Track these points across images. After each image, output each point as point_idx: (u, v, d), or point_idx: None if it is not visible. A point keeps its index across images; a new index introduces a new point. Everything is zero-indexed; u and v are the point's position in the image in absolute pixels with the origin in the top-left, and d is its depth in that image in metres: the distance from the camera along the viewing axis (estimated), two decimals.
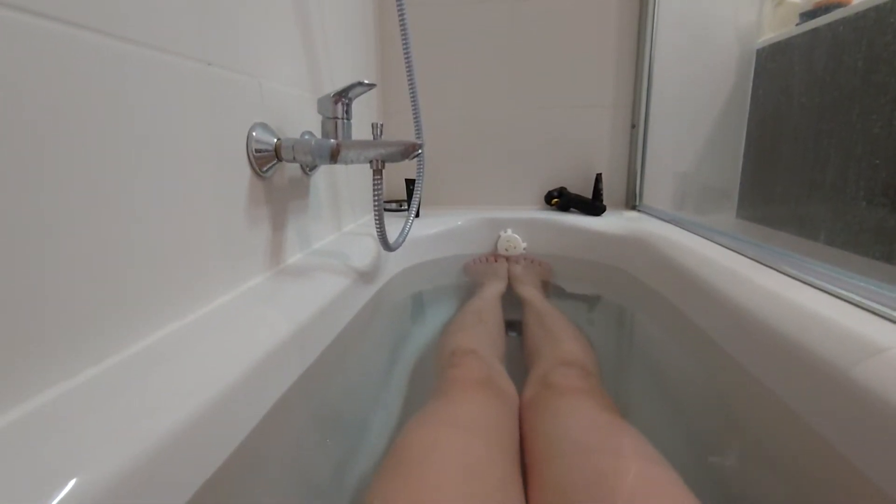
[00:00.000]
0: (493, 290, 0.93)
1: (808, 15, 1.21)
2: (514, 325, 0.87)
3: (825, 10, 1.14)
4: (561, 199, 1.32)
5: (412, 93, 0.90)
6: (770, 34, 1.32)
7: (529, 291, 0.93)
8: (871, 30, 0.92)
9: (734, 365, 0.57)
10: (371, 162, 0.65)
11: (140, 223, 0.42)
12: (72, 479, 0.26)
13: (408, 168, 1.39)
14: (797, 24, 1.23)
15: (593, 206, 1.26)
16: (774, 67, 1.27)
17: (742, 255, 0.73)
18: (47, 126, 0.33)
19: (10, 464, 0.26)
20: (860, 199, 0.94)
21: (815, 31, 1.10)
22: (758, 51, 1.34)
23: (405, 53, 0.87)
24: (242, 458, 0.39)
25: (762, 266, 0.66)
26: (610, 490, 0.32)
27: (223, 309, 0.51)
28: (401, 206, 1.36)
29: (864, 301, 0.49)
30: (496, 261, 1.14)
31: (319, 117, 0.69)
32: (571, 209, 1.31)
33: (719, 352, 0.61)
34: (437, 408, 0.46)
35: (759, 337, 0.52)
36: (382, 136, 0.68)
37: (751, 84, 1.36)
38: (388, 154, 0.65)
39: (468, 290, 1.01)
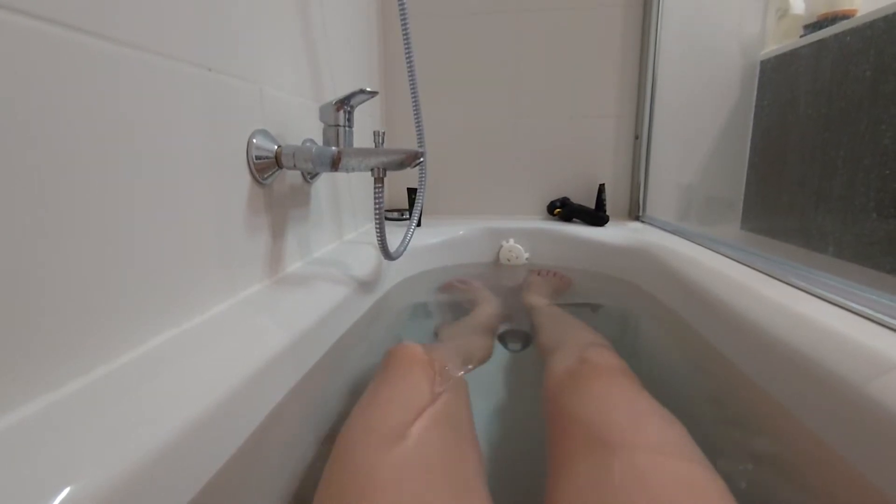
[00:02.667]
0: (484, 314, 0.88)
1: (812, 27, 1.20)
2: (516, 336, 0.86)
3: (830, 21, 1.13)
4: (564, 210, 1.32)
5: (414, 101, 0.90)
6: (774, 46, 1.32)
7: (539, 300, 0.92)
8: (880, 39, 0.91)
9: (742, 377, 0.55)
10: (372, 170, 0.65)
11: (135, 230, 0.41)
12: (65, 487, 0.25)
13: (409, 177, 1.39)
14: (801, 36, 1.22)
15: (596, 216, 1.25)
16: (779, 78, 1.27)
17: (748, 266, 0.72)
18: (42, 131, 0.32)
19: (2, 472, 0.26)
20: (870, 210, 0.92)
21: (820, 42, 1.10)
22: (761, 62, 1.34)
23: (408, 62, 0.87)
24: (236, 469, 0.38)
25: (769, 278, 0.65)
26: (651, 498, 0.31)
27: (220, 317, 0.50)
28: (402, 214, 1.36)
29: (876, 315, 0.47)
30: (462, 282, 1.07)
31: (321, 125, 0.69)
32: (574, 219, 1.30)
33: (727, 363, 0.59)
34: (374, 392, 0.45)
35: (769, 350, 0.51)
36: (384, 145, 0.68)
37: (755, 95, 1.36)
38: (389, 162, 0.64)
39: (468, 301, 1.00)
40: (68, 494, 0.25)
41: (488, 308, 0.90)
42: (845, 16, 1.12)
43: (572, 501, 0.34)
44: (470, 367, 0.62)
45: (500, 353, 0.81)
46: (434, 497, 0.33)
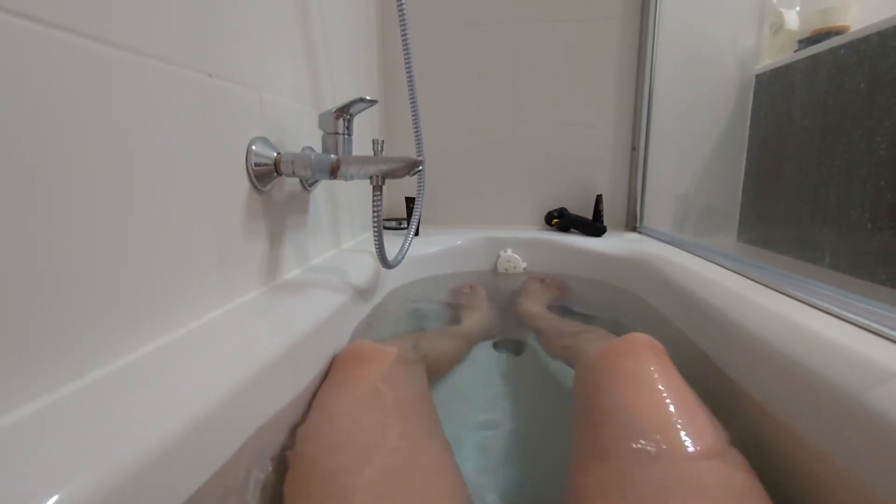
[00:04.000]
0: (467, 325, 0.89)
1: (806, 41, 1.22)
2: (509, 345, 0.86)
3: (824, 36, 1.15)
4: (561, 220, 1.32)
5: (413, 110, 0.91)
6: (769, 60, 1.34)
7: (538, 308, 0.92)
8: (874, 53, 0.93)
9: (736, 385, 0.55)
10: (371, 178, 0.65)
11: (133, 234, 0.41)
12: (54, 495, 0.24)
13: (408, 186, 1.39)
14: (796, 51, 1.24)
15: (594, 226, 1.26)
16: (774, 91, 1.28)
17: (745, 276, 0.72)
18: (39, 134, 0.32)
19: None
20: (865, 221, 0.93)
21: (815, 56, 1.12)
22: (757, 76, 1.36)
23: (407, 71, 0.87)
24: (229, 477, 0.38)
25: (766, 288, 0.65)
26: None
27: (215, 323, 0.50)
28: (400, 224, 1.36)
29: (872, 325, 0.47)
30: (471, 289, 1.08)
31: (320, 132, 0.69)
32: (572, 230, 1.30)
33: (721, 370, 0.59)
34: (325, 397, 0.45)
35: (766, 359, 0.51)
36: (383, 153, 0.68)
37: (750, 108, 1.37)
38: (388, 170, 0.64)
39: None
40: (56, 502, 0.24)
41: (474, 319, 0.90)
42: (838, 31, 1.14)
43: (604, 493, 0.33)
44: (431, 366, 0.62)
45: (494, 360, 0.81)
46: (404, 491, 0.32)
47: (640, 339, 0.48)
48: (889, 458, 0.35)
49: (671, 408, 0.38)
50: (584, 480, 0.35)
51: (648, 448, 0.34)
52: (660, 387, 0.41)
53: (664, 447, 0.34)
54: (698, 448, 0.34)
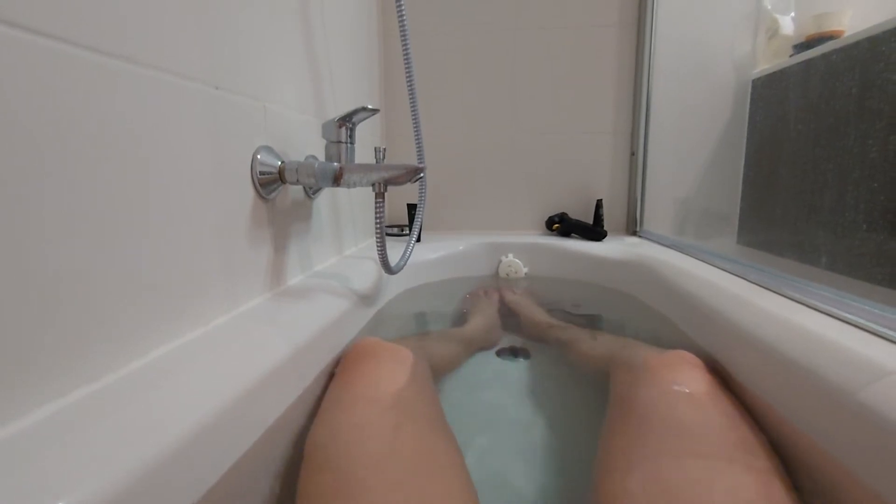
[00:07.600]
0: (467, 329, 0.89)
1: (801, 46, 1.24)
2: (513, 351, 0.86)
3: (818, 41, 1.17)
4: (562, 225, 1.33)
5: (414, 118, 0.92)
6: (765, 65, 1.35)
7: (547, 318, 0.92)
8: (865, 58, 0.94)
9: (738, 387, 0.56)
10: (374, 185, 0.66)
11: (143, 242, 0.42)
12: (59, 501, 0.25)
13: (409, 193, 1.40)
14: (791, 56, 1.26)
15: (594, 231, 1.27)
16: (771, 95, 1.30)
17: (744, 278, 0.73)
18: (50, 144, 0.33)
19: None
20: (860, 222, 0.94)
21: (809, 61, 1.13)
22: (753, 80, 1.37)
23: (408, 79, 0.89)
24: (235, 482, 0.38)
25: (765, 290, 0.66)
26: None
27: (221, 330, 0.51)
28: (402, 230, 1.37)
29: (868, 324, 0.48)
30: (486, 294, 1.10)
31: (323, 142, 0.70)
32: (572, 234, 1.31)
33: (721, 370, 0.60)
34: (337, 391, 0.46)
35: (764, 358, 0.51)
36: (385, 161, 0.69)
37: (747, 112, 1.39)
38: (390, 177, 0.66)
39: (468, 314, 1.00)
40: None
41: (477, 324, 0.90)
42: (832, 36, 1.15)
43: (647, 493, 0.34)
44: (431, 368, 0.63)
45: (498, 367, 0.82)
46: (417, 486, 0.33)
47: (687, 356, 0.51)
48: (884, 452, 0.36)
49: (721, 420, 0.40)
50: (624, 481, 0.36)
51: (695, 455, 0.35)
52: (711, 400, 0.43)
53: (711, 455, 0.35)
54: (743, 459, 0.35)
